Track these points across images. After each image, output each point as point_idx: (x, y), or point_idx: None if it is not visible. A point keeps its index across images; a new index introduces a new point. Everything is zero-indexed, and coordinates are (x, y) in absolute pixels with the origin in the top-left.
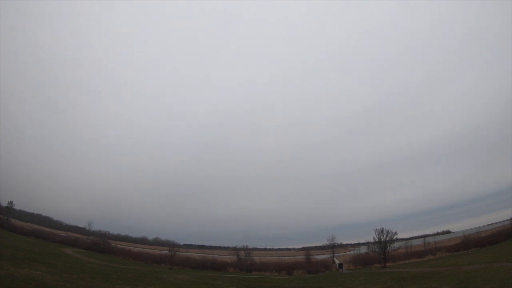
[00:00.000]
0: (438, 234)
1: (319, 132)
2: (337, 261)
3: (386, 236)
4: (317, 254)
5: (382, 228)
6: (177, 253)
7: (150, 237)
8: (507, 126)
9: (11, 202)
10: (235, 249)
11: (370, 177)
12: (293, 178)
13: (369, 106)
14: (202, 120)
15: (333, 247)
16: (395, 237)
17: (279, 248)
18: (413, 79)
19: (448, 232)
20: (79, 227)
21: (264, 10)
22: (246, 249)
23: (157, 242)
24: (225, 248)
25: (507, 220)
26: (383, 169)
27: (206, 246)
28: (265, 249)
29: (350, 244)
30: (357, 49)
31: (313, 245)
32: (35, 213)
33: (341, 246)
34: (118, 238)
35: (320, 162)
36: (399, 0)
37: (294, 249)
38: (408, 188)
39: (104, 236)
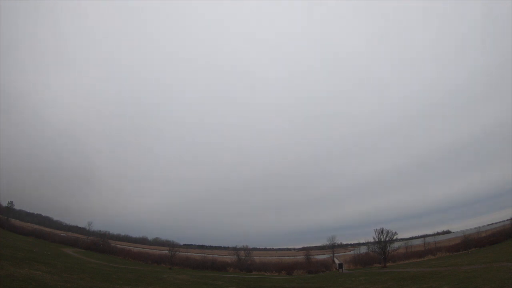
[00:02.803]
0: (438, 234)
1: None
2: (337, 261)
3: (386, 236)
4: (317, 254)
5: (382, 228)
6: (177, 253)
7: (150, 237)
8: (508, 127)
9: (11, 202)
10: (235, 249)
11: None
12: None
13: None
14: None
15: (333, 247)
16: (395, 237)
17: (279, 248)
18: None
19: (448, 232)
20: (79, 227)
21: None
22: (246, 249)
23: (157, 242)
24: (225, 248)
25: (507, 220)
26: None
27: (206, 246)
28: (265, 249)
29: (350, 244)
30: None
31: (313, 245)
32: (35, 213)
33: (341, 246)
34: (118, 238)
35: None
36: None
37: (294, 249)
38: (409, 189)
39: (104, 236)
